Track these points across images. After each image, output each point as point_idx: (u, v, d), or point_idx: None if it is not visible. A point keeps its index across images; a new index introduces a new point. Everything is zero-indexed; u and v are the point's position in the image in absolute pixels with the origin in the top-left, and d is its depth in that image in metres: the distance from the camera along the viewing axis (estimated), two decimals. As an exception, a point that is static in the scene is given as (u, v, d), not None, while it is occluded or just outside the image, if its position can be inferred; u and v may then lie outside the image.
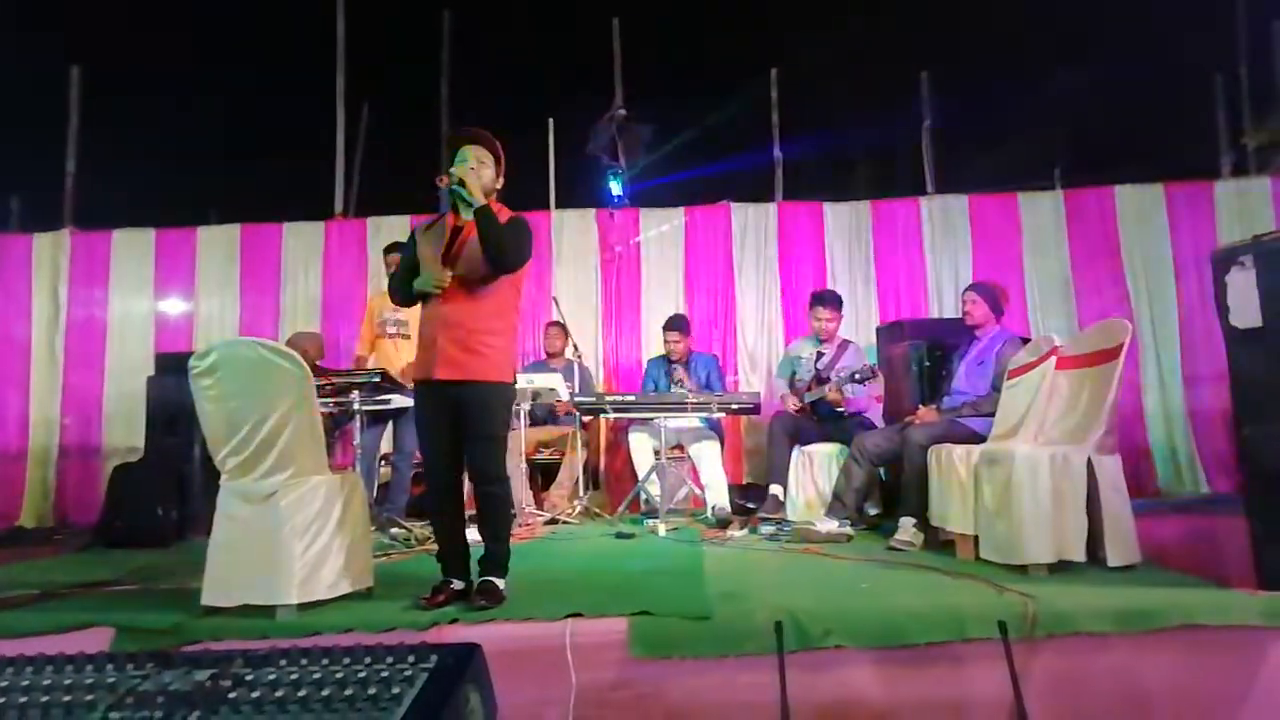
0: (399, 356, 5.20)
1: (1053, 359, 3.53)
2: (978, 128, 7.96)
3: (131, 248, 7.04)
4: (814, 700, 2.53)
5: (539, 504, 5.44)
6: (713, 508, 5.24)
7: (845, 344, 5.35)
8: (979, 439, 3.95)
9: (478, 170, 3.02)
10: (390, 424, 5.25)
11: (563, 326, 6.05)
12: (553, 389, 5.33)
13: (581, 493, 5.49)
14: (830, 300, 5.35)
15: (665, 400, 5.25)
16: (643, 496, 5.44)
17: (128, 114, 7.69)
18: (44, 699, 1.08)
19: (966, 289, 4.64)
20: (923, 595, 2.95)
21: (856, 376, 4.84)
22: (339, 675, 1.11)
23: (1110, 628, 2.62)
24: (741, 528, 4.72)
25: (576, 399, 5.37)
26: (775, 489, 5.03)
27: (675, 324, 5.76)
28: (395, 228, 6.70)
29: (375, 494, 5.16)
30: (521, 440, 5.31)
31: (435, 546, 3.17)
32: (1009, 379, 3.84)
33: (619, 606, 2.78)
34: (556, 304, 6.07)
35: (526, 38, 8.81)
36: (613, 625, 2.67)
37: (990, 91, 8.12)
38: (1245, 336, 2.86)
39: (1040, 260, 6.80)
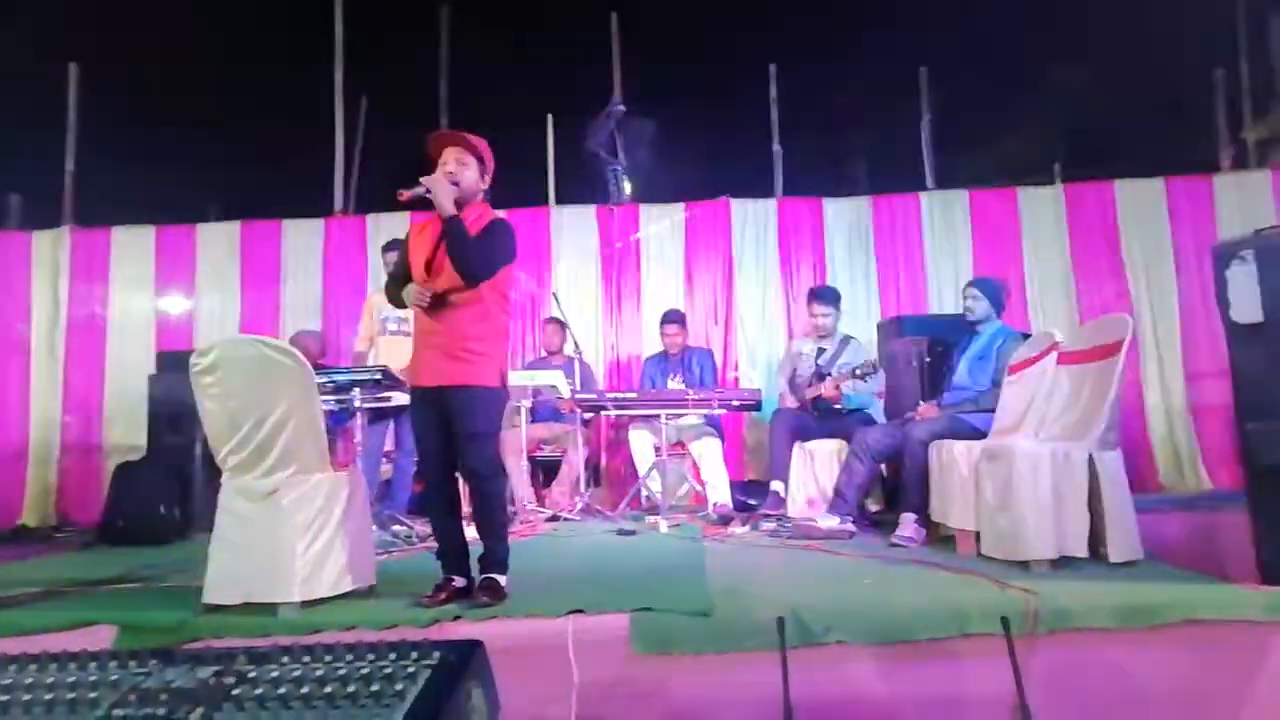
0: (400, 354, 5.19)
1: (1053, 355, 3.53)
2: (977, 123, 7.96)
3: (131, 245, 7.03)
4: (816, 696, 2.53)
5: (540, 501, 5.45)
6: (714, 504, 5.24)
7: (846, 340, 5.34)
8: (980, 435, 3.95)
9: (457, 172, 2.99)
10: (392, 421, 5.25)
11: (562, 323, 6.05)
12: (554, 386, 5.33)
13: (583, 490, 5.49)
14: (827, 296, 5.34)
15: (666, 397, 5.25)
16: (644, 493, 5.45)
17: (127, 111, 7.69)
18: (47, 697, 1.08)
19: (967, 285, 4.64)
20: (924, 591, 2.95)
21: (858, 372, 4.83)
22: (341, 672, 1.11)
23: (1112, 623, 2.62)
24: (743, 524, 4.72)
25: (578, 396, 5.37)
26: (776, 485, 5.02)
27: (672, 317, 5.78)
28: (395, 225, 6.68)
29: (377, 491, 5.16)
30: (522, 437, 5.32)
31: (436, 544, 3.17)
32: (1010, 375, 3.84)
33: (620, 603, 2.78)
34: (556, 300, 6.07)
35: (525, 33, 8.81)
36: (614, 622, 2.67)
37: (990, 86, 8.12)
38: (1246, 331, 2.85)
39: (1040, 255, 6.79)
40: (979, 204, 6.91)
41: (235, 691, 1.07)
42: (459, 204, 2.95)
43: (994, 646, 2.55)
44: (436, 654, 1.15)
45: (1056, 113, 7.99)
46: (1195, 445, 6.39)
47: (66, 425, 6.80)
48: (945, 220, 6.88)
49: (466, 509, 3.22)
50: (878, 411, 5.30)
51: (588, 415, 5.62)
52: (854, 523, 4.41)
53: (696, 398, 5.12)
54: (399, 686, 1.07)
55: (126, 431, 6.50)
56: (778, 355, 6.56)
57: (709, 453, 5.45)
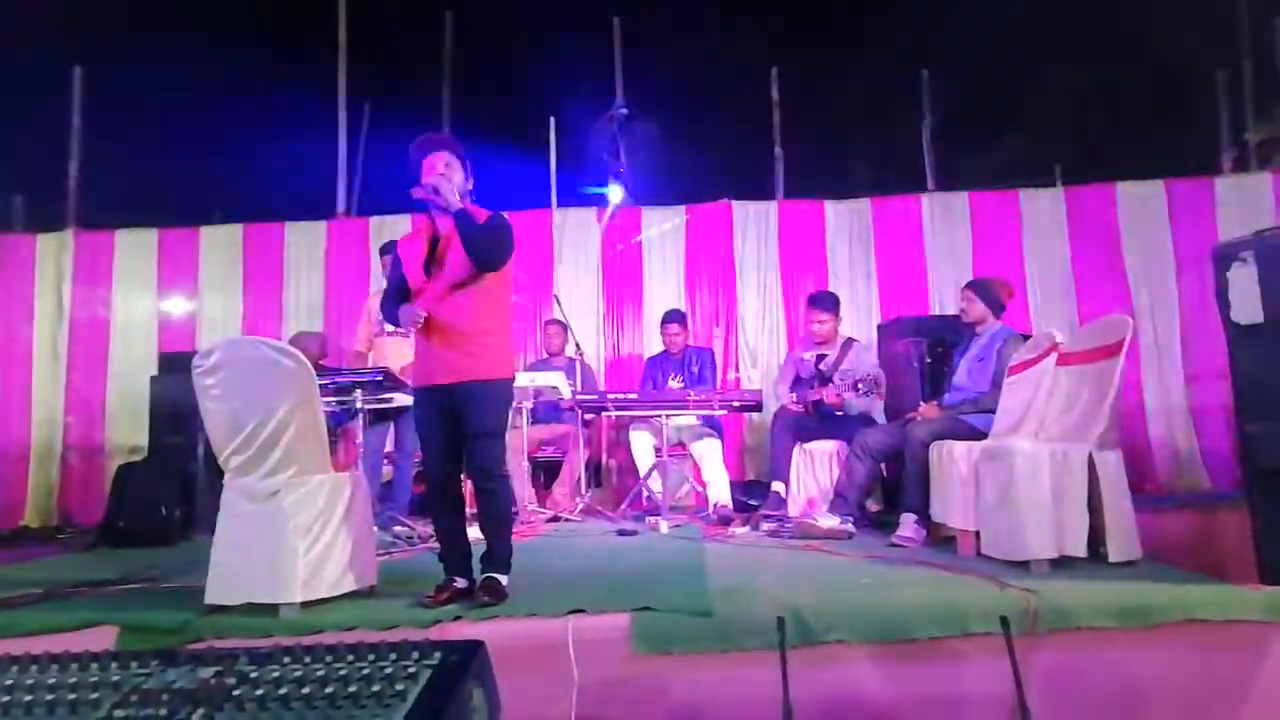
0: (400, 355, 5.20)
1: (1054, 355, 3.53)
2: (978, 124, 7.96)
3: (135, 247, 7.05)
4: (816, 695, 2.53)
5: (541, 502, 5.45)
6: (714, 505, 5.25)
7: (850, 342, 5.33)
8: (980, 435, 3.95)
9: (447, 174, 3.07)
10: (393, 423, 5.26)
11: (563, 325, 6.06)
12: (555, 387, 5.34)
13: (583, 490, 5.50)
14: (824, 302, 5.33)
15: (666, 398, 5.26)
16: (644, 494, 5.45)
17: (131, 114, 7.70)
18: (49, 698, 1.08)
19: (963, 287, 4.64)
20: (924, 591, 2.95)
21: (860, 387, 4.83)
22: (343, 673, 1.12)
23: (1112, 623, 2.62)
24: (743, 525, 4.73)
25: (579, 397, 5.37)
26: (777, 486, 5.03)
27: (673, 317, 5.80)
28: (397, 227, 6.69)
29: (378, 492, 5.16)
30: (523, 438, 5.32)
31: (438, 545, 3.18)
32: (1010, 376, 3.84)
33: (621, 603, 2.78)
34: (558, 302, 6.08)
35: (527, 36, 8.82)
36: (615, 621, 2.67)
37: (991, 89, 8.12)
38: (1246, 332, 2.85)
39: (1041, 257, 6.79)
40: (980, 206, 6.91)
41: (236, 692, 1.08)
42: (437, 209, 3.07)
43: (994, 646, 2.56)
44: (437, 654, 1.16)
45: (1057, 114, 7.99)
46: (1195, 445, 6.39)
47: (69, 426, 6.81)
48: (946, 222, 6.89)
49: (470, 510, 3.23)
50: (878, 412, 5.30)
51: (588, 416, 5.63)
52: (854, 523, 4.41)
53: (697, 398, 5.13)
54: (400, 687, 1.08)
55: (129, 432, 6.52)
56: (778, 357, 6.58)
57: (709, 453, 5.45)
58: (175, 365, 5.20)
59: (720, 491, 5.32)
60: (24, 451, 6.74)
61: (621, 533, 4.67)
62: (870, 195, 7.04)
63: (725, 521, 4.89)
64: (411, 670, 1.12)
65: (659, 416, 5.21)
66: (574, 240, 6.98)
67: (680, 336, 5.75)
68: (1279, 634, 2.61)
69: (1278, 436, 2.79)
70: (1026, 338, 4.23)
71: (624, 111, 7.30)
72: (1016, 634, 2.56)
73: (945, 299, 6.66)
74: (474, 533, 3.17)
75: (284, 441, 2.94)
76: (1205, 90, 7.28)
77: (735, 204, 6.99)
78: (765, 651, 2.56)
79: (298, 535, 2.88)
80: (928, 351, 5.12)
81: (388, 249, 5.28)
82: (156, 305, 7.01)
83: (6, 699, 1.08)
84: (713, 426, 5.59)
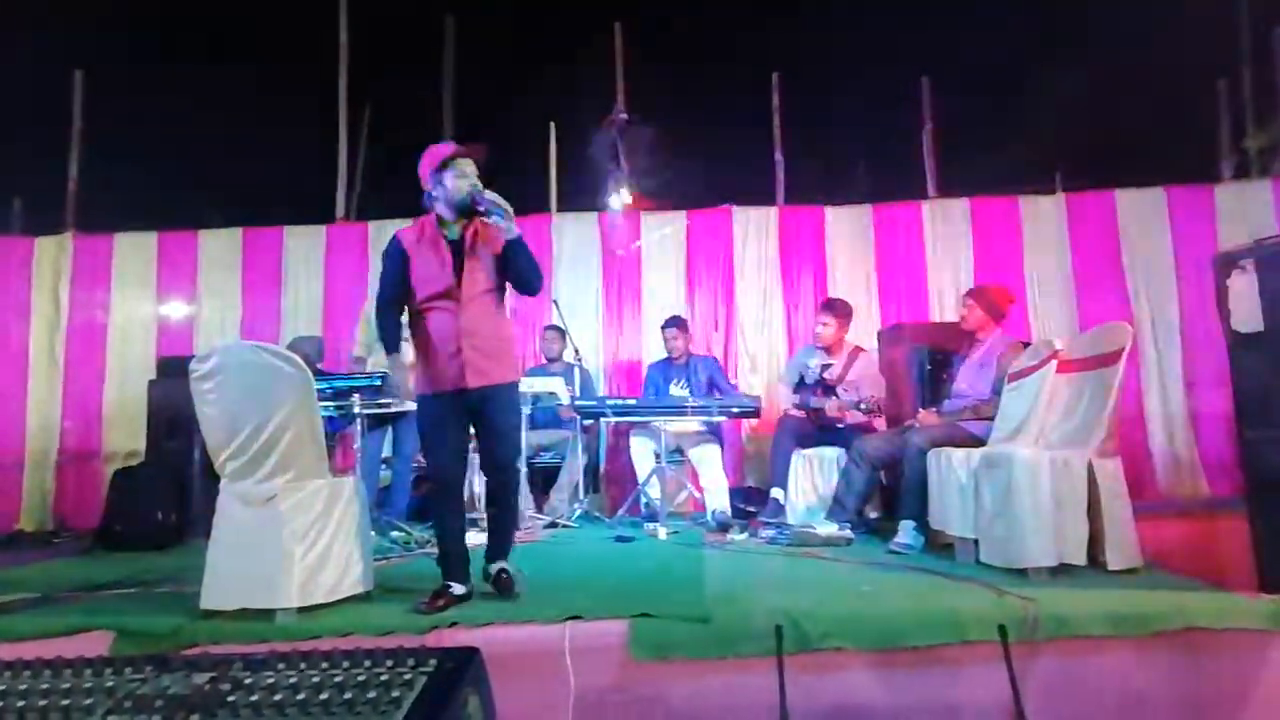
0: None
1: (1053, 362, 3.53)
2: (979, 131, 7.96)
3: (133, 251, 7.04)
4: (813, 702, 2.53)
5: (539, 507, 5.44)
6: (713, 511, 5.24)
7: (857, 352, 5.32)
8: (980, 442, 3.94)
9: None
10: (390, 428, 5.25)
11: (561, 330, 6.05)
12: (553, 393, 5.33)
13: (581, 496, 5.48)
14: (834, 308, 5.34)
15: (665, 404, 5.25)
16: (643, 500, 5.44)
17: (130, 117, 7.70)
18: (42, 703, 1.08)
19: (965, 293, 4.65)
20: (923, 598, 2.95)
21: (862, 406, 4.85)
22: (338, 679, 1.12)
23: (1111, 631, 2.62)
24: (742, 531, 4.72)
25: (577, 403, 5.36)
26: (777, 492, 5.03)
27: (673, 322, 5.79)
28: (397, 231, 6.68)
29: (375, 497, 5.15)
30: (522, 443, 5.31)
31: (435, 550, 3.19)
32: (1009, 382, 3.83)
33: (619, 609, 2.78)
34: (557, 307, 6.07)
35: (528, 42, 8.83)
36: (612, 628, 2.67)
37: (991, 95, 8.13)
38: (1246, 340, 2.86)
39: (1041, 263, 6.78)
40: (980, 212, 6.91)
41: (231, 698, 1.07)
42: (469, 215, 3.10)
43: (992, 654, 2.56)
44: (433, 661, 1.15)
45: (1058, 121, 7.99)
46: (1195, 453, 6.37)
47: (66, 430, 6.79)
48: (946, 228, 6.88)
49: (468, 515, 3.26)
50: (878, 420, 5.30)
51: (587, 422, 5.62)
52: (853, 529, 4.41)
53: (696, 405, 5.12)
54: (396, 693, 1.07)
55: (126, 437, 6.50)
56: (778, 362, 6.57)
57: (708, 459, 5.44)
58: (173, 369, 5.19)
59: (719, 498, 5.31)
60: (19, 456, 6.71)
61: (619, 539, 4.65)
62: (871, 201, 7.04)
63: (724, 528, 4.88)
64: (407, 677, 1.11)
65: (659, 423, 5.20)
66: (574, 245, 6.98)
67: (680, 341, 5.74)
68: (1278, 642, 2.60)
69: (1278, 443, 2.78)
70: (1026, 345, 4.23)
71: (624, 117, 7.30)
72: (1015, 641, 2.56)
73: (945, 306, 6.66)
74: (472, 539, 3.18)
75: (281, 446, 2.94)
76: (1206, 98, 7.29)
77: (736, 209, 6.98)
78: (763, 658, 2.56)
79: (294, 540, 2.88)
80: (927, 358, 5.12)
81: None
82: (155, 309, 6.99)
83: (0, 704, 1.08)
84: (712, 432, 5.58)
